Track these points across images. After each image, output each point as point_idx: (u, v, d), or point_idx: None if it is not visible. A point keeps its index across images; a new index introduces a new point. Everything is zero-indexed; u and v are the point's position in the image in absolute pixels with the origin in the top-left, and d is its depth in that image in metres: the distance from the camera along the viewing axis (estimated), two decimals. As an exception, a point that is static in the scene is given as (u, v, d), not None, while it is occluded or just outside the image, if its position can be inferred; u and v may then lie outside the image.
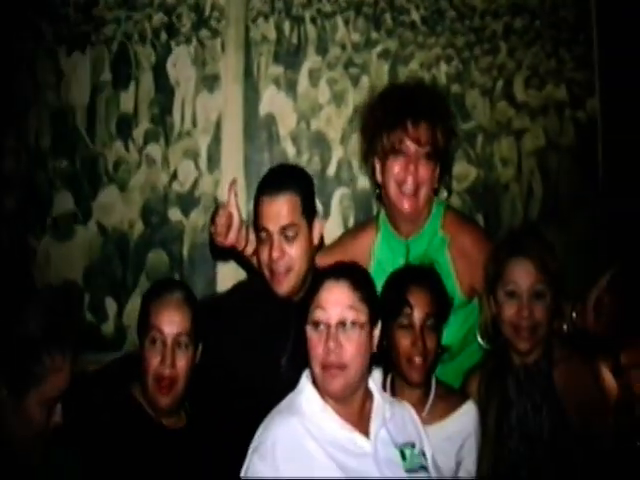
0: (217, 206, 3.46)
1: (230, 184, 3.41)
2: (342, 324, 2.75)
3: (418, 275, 3.21)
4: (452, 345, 3.32)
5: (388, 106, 3.48)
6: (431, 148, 3.40)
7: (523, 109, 5.24)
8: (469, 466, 3.12)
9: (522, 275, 3.14)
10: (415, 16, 5.18)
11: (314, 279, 2.94)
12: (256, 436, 2.78)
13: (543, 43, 5.26)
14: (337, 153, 4.99)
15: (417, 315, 3.09)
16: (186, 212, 4.92)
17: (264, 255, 3.20)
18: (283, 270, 3.18)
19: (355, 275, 2.85)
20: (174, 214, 4.94)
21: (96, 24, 4.97)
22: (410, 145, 3.38)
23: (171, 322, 3.12)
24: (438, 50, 5.18)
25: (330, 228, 4.64)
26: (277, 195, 3.19)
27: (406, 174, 3.40)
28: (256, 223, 3.25)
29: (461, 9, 5.22)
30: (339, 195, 4.94)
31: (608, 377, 3.14)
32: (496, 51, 5.23)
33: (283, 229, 3.17)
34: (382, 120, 3.46)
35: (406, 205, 3.43)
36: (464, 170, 5.13)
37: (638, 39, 5.13)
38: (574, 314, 3.24)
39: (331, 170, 5.01)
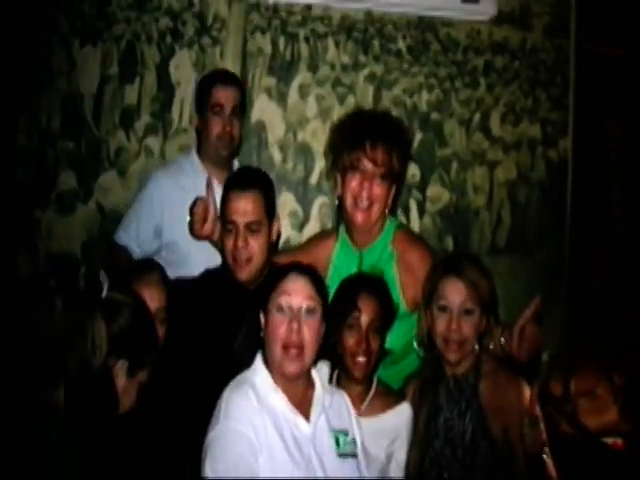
0: (195, 200, 3.63)
1: (207, 182, 3.62)
2: (303, 310, 2.94)
3: (368, 283, 3.35)
4: (395, 350, 3.44)
5: (352, 128, 3.63)
6: (386, 169, 3.53)
7: (498, 142, 5.37)
8: (400, 461, 3.25)
9: (454, 292, 3.25)
10: (401, 45, 5.31)
11: (278, 270, 3.10)
12: (220, 408, 2.89)
13: (521, 82, 5.39)
14: (320, 164, 5.10)
15: (364, 318, 3.24)
16: None
17: (229, 244, 3.39)
18: (245, 258, 3.37)
19: (314, 273, 3.05)
20: (167, 201, 5.10)
21: (108, 22, 5.10)
22: (367, 164, 3.51)
23: (152, 298, 3.24)
24: (421, 78, 5.31)
25: (309, 233, 4.86)
26: (244, 193, 3.39)
27: (361, 190, 3.53)
28: (223, 216, 3.43)
29: (445, 43, 5.34)
30: (319, 203, 5.10)
31: (527, 393, 3.23)
32: (476, 85, 5.36)
33: (248, 224, 3.36)
34: (345, 140, 3.60)
35: (359, 218, 3.56)
36: (438, 193, 5.27)
37: (614, 85, 5.32)
38: (502, 339, 3.35)
39: (313, 179, 5.17)
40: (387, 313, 3.34)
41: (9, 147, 4.99)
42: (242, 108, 4.40)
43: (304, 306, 2.95)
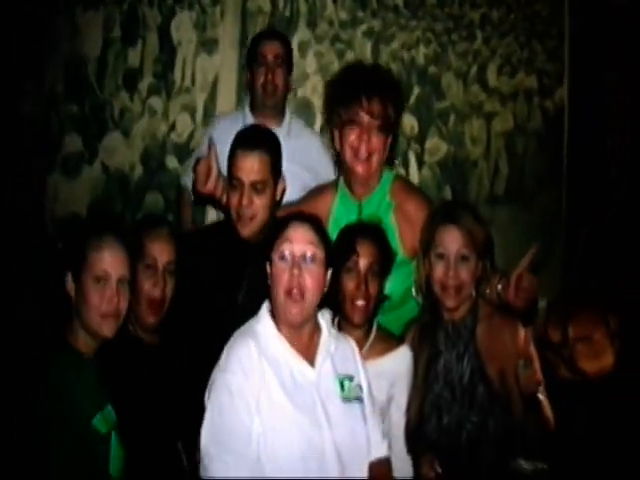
0: (198, 159, 3.62)
1: (209, 142, 3.60)
2: (305, 257, 2.93)
3: (367, 230, 3.37)
4: (394, 296, 3.47)
5: (346, 84, 3.63)
6: (383, 121, 3.54)
7: (494, 94, 5.42)
8: (400, 403, 3.28)
9: (450, 240, 3.26)
10: (399, 0, 5.33)
11: (281, 220, 3.11)
12: (222, 358, 2.92)
13: (517, 34, 5.42)
14: (320, 119, 5.11)
15: (362, 262, 3.26)
16: (182, 160, 5.06)
17: (234, 201, 3.39)
18: (249, 216, 3.37)
19: (315, 221, 3.05)
20: (171, 161, 5.14)
21: (110, -15, 5.12)
22: (364, 117, 3.53)
23: (163, 252, 3.30)
24: (418, 33, 5.34)
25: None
26: (251, 152, 3.37)
27: (360, 142, 3.54)
28: (230, 173, 3.43)
29: None
30: None
31: (522, 336, 3.26)
32: (472, 38, 5.40)
33: (253, 182, 3.36)
34: (341, 95, 3.61)
35: (360, 169, 3.58)
36: (436, 145, 5.31)
37: (608, 35, 5.29)
38: (499, 286, 3.37)
39: (313, 134, 5.19)
40: (385, 258, 3.36)
41: (14, 113, 5.00)
42: (288, 63, 4.48)
43: (306, 253, 2.95)
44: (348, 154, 3.60)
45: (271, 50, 4.39)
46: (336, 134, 3.66)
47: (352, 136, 3.57)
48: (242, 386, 2.84)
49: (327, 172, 4.29)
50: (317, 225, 3.05)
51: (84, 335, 2.93)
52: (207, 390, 2.91)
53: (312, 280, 2.94)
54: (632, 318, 3.99)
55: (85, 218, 4.90)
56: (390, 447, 3.16)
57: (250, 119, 4.37)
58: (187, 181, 4.38)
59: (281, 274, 2.94)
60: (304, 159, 4.24)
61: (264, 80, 4.37)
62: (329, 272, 3.04)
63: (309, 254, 2.95)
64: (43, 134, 5.06)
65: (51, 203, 5.03)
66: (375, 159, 3.59)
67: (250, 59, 4.51)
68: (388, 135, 3.62)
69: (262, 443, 2.81)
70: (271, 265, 2.99)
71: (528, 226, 5.32)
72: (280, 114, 4.47)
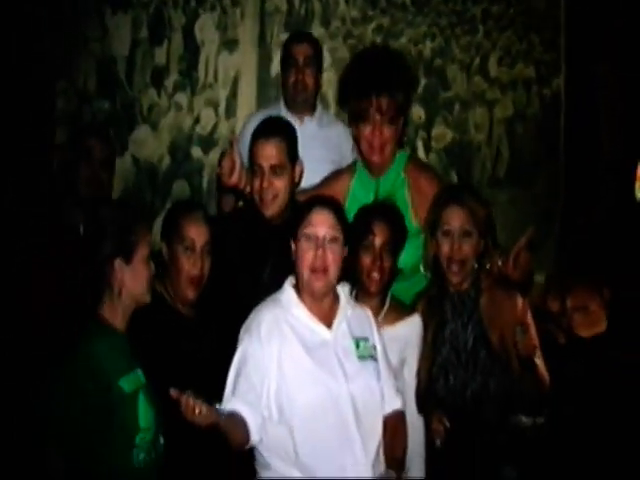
0: (223, 153, 3.86)
1: (231, 141, 3.84)
2: (327, 238, 3.21)
3: (382, 210, 3.61)
4: (408, 265, 3.70)
5: (357, 78, 3.86)
6: (393, 113, 3.78)
7: (495, 83, 5.60)
8: (411, 366, 3.52)
9: (455, 218, 3.50)
10: None
11: (305, 204, 3.36)
12: (247, 321, 3.24)
13: (516, 28, 5.60)
14: (333, 111, 5.27)
15: (378, 241, 3.50)
16: (206, 151, 5.33)
17: (256, 185, 3.63)
18: (270, 197, 3.61)
19: (335, 205, 3.33)
20: (196, 152, 5.37)
21: (137, -11, 5.32)
22: (375, 114, 3.77)
23: (200, 234, 3.51)
24: (424, 28, 5.53)
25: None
26: (269, 139, 3.62)
27: (373, 137, 3.79)
28: (251, 161, 3.67)
29: None
30: None
31: (520, 304, 3.48)
32: (474, 32, 5.58)
33: (273, 167, 3.60)
34: (351, 88, 3.87)
35: (375, 158, 3.84)
36: (442, 132, 5.52)
37: (602, 26, 5.44)
38: (500, 261, 3.59)
39: (329, 124, 5.38)
40: (399, 236, 3.59)
41: (49, 110, 5.20)
42: (317, 62, 4.67)
43: (328, 235, 3.22)
44: (364, 146, 3.85)
45: (300, 52, 4.59)
46: (353, 126, 3.91)
47: (366, 131, 3.81)
48: (255, 350, 3.14)
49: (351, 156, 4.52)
50: (337, 209, 3.31)
51: (119, 310, 3.14)
52: (238, 342, 3.21)
53: (333, 258, 3.22)
54: (621, 289, 4.26)
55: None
56: (405, 404, 3.41)
57: (285, 113, 4.57)
58: None
59: (306, 253, 3.22)
60: (335, 145, 4.52)
61: (295, 79, 4.58)
62: (346, 249, 3.30)
63: (331, 236, 3.22)
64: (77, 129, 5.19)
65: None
66: (388, 148, 3.84)
67: (283, 60, 4.71)
68: (399, 120, 3.86)
69: (284, 392, 3.11)
70: (296, 244, 3.26)
71: (528, 206, 5.49)
72: (312, 107, 4.69)
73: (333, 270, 3.23)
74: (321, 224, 3.23)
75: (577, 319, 4.17)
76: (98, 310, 3.14)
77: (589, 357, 4.00)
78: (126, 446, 3.03)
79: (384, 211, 3.62)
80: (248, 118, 4.80)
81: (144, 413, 3.08)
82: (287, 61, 4.66)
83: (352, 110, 3.87)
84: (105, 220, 3.31)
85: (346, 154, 4.52)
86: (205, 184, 5.31)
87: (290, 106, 4.62)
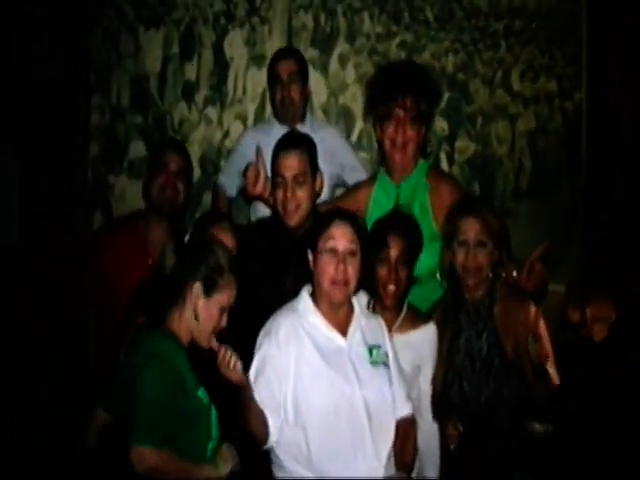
0: (248, 165, 3.93)
1: (257, 150, 3.91)
2: (347, 252, 3.29)
3: (397, 222, 3.65)
4: (425, 270, 3.75)
5: (383, 83, 3.99)
6: (415, 113, 3.89)
7: (518, 97, 5.61)
8: (426, 374, 3.58)
9: (470, 229, 3.56)
10: (429, 14, 5.59)
11: (324, 217, 3.44)
12: (265, 326, 3.33)
13: (538, 42, 5.61)
14: (359, 124, 5.44)
15: (393, 253, 3.54)
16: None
17: (280, 196, 3.71)
18: (294, 207, 3.69)
19: (355, 218, 3.39)
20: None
21: (168, 8, 5.48)
22: (399, 112, 3.87)
23: (228, 242, 3.54)
24: (447, 44, 5.57)
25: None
26: (291, 151, 3.72)
27: (396, 134, 3.89)
28: (274, 172, 3.76)
29: (468, 10, 5.61)
30: (360, 158, 5.17)
31: (533, 313, 3.53)
32: (497, 47, 5.61)
33: (295, 176, 3.69)
34: (378, 94, 3.97)
35: (397, 156, 3.93)
36: (465, 145, 5.56)
37: (624, 41, 5.46)
38: (514, 272, 3.65)
39: (354, 138, 5.48)
40: (414, 247, 3.63)
41: (84, 124, 5.35)
42: (302, 75, 4.72)
43: (348, 249, 3.29)
44: (387, 144, 3.94)
45: (284, 69, 4.65)
46: (377, 128, 4.01)
47: (389, 129, 3.91)
48: (274, 355, 3.24)
49: (347, 158, 4.71)
50: (356, 222, 3.38)
51: (184, 328, 3.12)
52: (255, 349, 3.30)
53: (353, 270, 3.29)
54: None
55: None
56: (420, 413, 3.50)
57: (276, 126, 4.63)
58: (222, 179, 4.84)
59: (327, 267, 3.29)
60: (328, 146, 4.51)
61: (281, 96, 4.65)
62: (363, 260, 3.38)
63: (350, 250, 3.30)
64: (110, 142, 5.43)
65: (117, 202, 5.37)
66: (410, 147, 3.93)
67: (269, 78, 4.78)
68: (422, 126, 3.96)
69: (301, 395, 3.20)
70: (316, 256, 3.33)
71: (550, 217, 5.49)
72: (302, 117, 4.75)
73: (353, 282, 3.30)
74: (341, 238, 3.30)
75: (597, 329, 4.20)
76: (166, 321, 3.14)
77: (601, 359, 4.06)
78: (200, 453, 3.08)
79: (399, 223, 3.67)
80: (242, 133, 4.98)
81: (215, 424, 3.14)
82: (272, 79, 4.73)
83: (377, 114, 3.97)
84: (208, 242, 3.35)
85: (341, 160, 4.69)
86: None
87: (281, 120, 4.69)
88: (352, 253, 3.30)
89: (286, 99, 4.66)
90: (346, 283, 3.29)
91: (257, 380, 3.22)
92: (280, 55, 4.82)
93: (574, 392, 3.73)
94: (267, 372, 3.22)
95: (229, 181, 4.80)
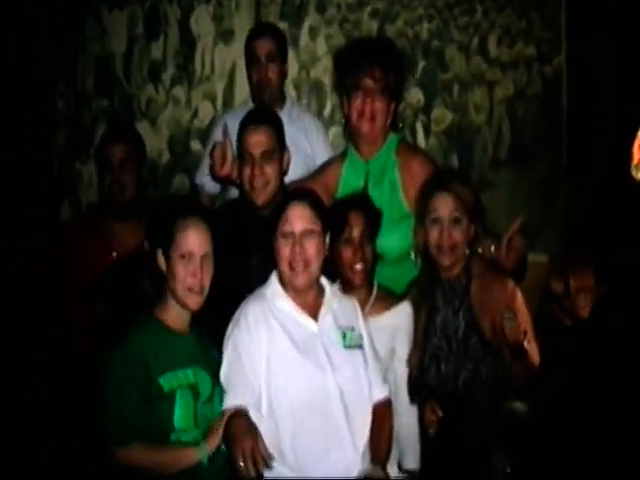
0: (214, 144, 3.84)
1: (223, 129, 3.82)
2: (304, 233, 3.19)
3: (353, 200, 3.58)
4: (398, 250, 3.69)
5: (352, 54, 3.87)
6: (384, 85, 3.76)
7: (495, 63, 5.48)
8: (401, 356, 3.48)
9: (443, 205, 3.45)
10: None
11: (281, 201, 3.34)
12: (234, 315, 3.22)
13: (515, 6, 5.47)
14: (332, 98, 5.28)
15: (356, 232, 3.46)
16: (205, 144, 5.05)
17: (247, 173, 3.63)
18: (261, 184, 3.62)
19: (311, 197, 3.30)
20: (195, 145, 5.34)
21: (132, -14, 5.31)
22: (367, 82, 3.74)
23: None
24: (421, 10, 5.43)
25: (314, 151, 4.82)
26: (258, 127, 3.63)
27: (364, 104, 3.75)
28: (240, 149, 3.67)
29: None
30: (332, 133, 5.21)
31: (509, 289, 3.42)
32: (472, 12, 5.47)
33: (263, 153, 3.61)
34: (346, 64, 3.84)
35: (364, 127, 3.78)
36: (441, 114, 5.42)
37: (602, 2, 5.35)
38: (492, 247, 3.59)
39: (326, 112, 5.37)
40: (374, 222, 3.55)
41: (49, 112, 5.25)
42: (280, 54, 4.57)
43: (305, 229, 3.20)
44: (354, 115, 3.80)
45: (261, 47, 4.50)
46: (345, 101, 3.88)
47: (357, 99, 3.78)
48: (245, 341, 3.14)
49: (323, 156, 4.42)
50: (314, 200, 3.29)
51: (174, 309, 3.17)
52: (225, 339, 3.20)
53: (313, 251, 3.20)
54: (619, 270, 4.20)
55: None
56: (397, 397, 3.41)
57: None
58: (202, 180, 4.53)
59: (284, 250, 3.20)
60: (302, 143, 4.42)
61: (258, 77, 4.50)
62: (327, 237, 3.30)
63: (307, 230, 3.20)
64: (77, 129, 5.32)
65: (86, 189, 5.27)
66: (379, 119, 3.79)
67: (246, 57, 4.61)
68: (391, 100, 3.83)
69: (272, 385, 3.09)
70: (275, 241, 3.24)
71: (530, 186, 5.40)
72: (280, 100, 4.59)
73: (314, 264, 3.22)
74: (297, 219, 3.21)
75: (580, 300, 4.14)
76: (154, 307, 3.17)
77: (584, 335, 3.98)
78: (163, 441, 3.04)
79: (355, 201, 3.59)
80: (217, 118, 4.84)
81: (182, 414, 3.06)
82: (250, 58, 4.56)
83: (345, 86, 3.86)
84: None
85: (316, 154, 4.49)
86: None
87: (258, 102, 4.53)
88: (310, 232, 3.22)
89: (263, 80, 4.51)
90: (306, 265, 3.20)
91: (231, 371, 3.14)
92: (257, 33, 4.65)
93: (556, 370, 3.62)
94: (242, 361, 3.13)
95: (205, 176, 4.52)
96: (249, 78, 4.59)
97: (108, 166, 4.03)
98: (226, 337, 3.20)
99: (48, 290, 3.99)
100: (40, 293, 3.99)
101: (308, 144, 4.49)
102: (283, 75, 4.62)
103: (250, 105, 4.53)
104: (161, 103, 5.37)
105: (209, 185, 4.46)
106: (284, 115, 4.34)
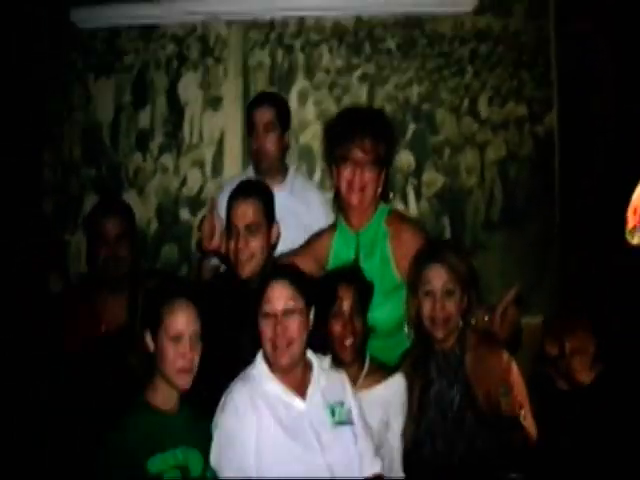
0: (203, 218, 3.82)
1: (210, 201, 3.82)
2: (285, 312, 3.13)
3: (344, 274, 3.52)
4: (390, 322, 3.62)
5: (341, 125, 3.81)
6: (374, 156, 3.70)
7: (486, 124, 5.42)
8: (395, 430, 3.41)
9: (436, 277, 3.40)
10: (391, 43, 5.42)
11: (262, 279, 3.27)
12: (222, 400, 3.15)
13: (505, 65, 5.43)
14: (321, 164, 5.24)
15: (346, 305, 3.41)
16: (194, 212, 5.26)
17: (232, 245, 3.58)
18: (246, 257, 3.56)
19: (292, 274, 3.23)
20: (184, 214, 5.31)
21: (118, 54, 5.34)
22: (357, 153, 3.69)
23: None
24: (411, 73, 5.40)
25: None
26: (245, 200, 3.59)
27: (354, 176, 3.69)
28: (228, 223, 3.62)
29: (431, 36, 5.42)
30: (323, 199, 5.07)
31: (505, 361, 3.37)
32: (463, 73, 5.43)
33: (248, 225, 3.56)
34: (336, 135, 3.79)
35: (354, 199, 3.72)
36: (432, 178, 5.37)
37: (594, 59, 5.28)
38: (486, 317, 3.52)
39: (316, 177, 5.33)
40: (365, 294, 3.50)
41: (35, 180, 5.23)
42: (281, 123, 4.49)
43: (287, 308, 3.14)
44: (344, 187, 3.74)
45: (261, 117, 4.43)
46: (334, 171, 3.81)
47: (347, 171, 3.72)
48: (234, 426, 3.06)
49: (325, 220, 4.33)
50: (295, 277, 3.22)
51: (164, 390, 3.11)
52: (213, 423, 3.13)
53: (296, 329, 3.14)
54: (615, 334, 4.12)
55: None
56: (391, 471, 3.33)
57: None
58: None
59: (266, 330, 3.14)
60: (303, 216, 4.36)
61: (256, 147, 4.44)
62: (312, 312, 3.23)
63: (289, 309, 3.14)
64: (64, 198, 5.30)
65: (74, 260, 5.18)
66: (368, 190, 3.73)
67: (247, 126, 4.56)
68: (381, 170, 3.77)
69: (262, 468, 3.02)
70: (258, 321, 3.18)
71: (524, 248, 5.33)
72: (281, 172, 4.54)
73: (297, 343, 3.16)
74: (277, 299, 3.16)
75: (576, 363, 4.05)
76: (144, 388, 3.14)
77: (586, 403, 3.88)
78: None
79: (345, 273, 3.54)
80: (224, 186, 4.66)
81: None
82: (249, 127, 4.52)
83: (335, 157, 3.80)
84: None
85: (320, 219, 4.37)
86: (194, 246, 5.15)
87: (257, 172, 4.47)
88: (292, 311, 3.16)
89: (261, 150, 4.44)
90: (289, 345, 3.14)
91: (221, 456, 3.08)
92: (257, 101, 4.60)
93: (554, 442, 3.53)
94: (230, 444, 3.07)
95: None
96: (250, 149, 4.55)
97: (102, 240, 3.95)
98: (214, 422, 3.13)
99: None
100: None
101: (310, 217, 4.38)
102: (283, 145, 4.52)
103: (250, 175, 4.47)
104: (149, 171, 5.36)
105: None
106: (286, 187, 4.37)
